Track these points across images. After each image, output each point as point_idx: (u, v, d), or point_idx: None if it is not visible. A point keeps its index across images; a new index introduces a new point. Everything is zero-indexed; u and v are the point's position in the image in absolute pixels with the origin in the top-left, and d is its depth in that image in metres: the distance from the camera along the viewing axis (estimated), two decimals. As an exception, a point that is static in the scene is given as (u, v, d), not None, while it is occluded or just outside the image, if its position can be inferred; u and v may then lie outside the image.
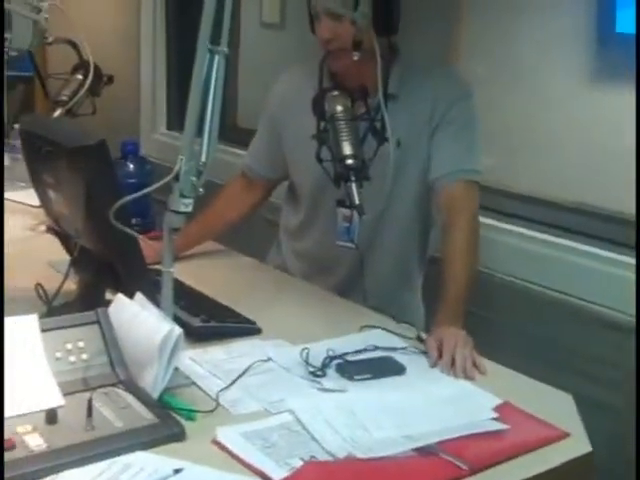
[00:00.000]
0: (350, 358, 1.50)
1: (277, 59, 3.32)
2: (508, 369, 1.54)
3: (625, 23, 1.99)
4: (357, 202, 1.59)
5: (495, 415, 1.31)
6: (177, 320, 1.41)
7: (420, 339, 1.63)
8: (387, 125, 1.72)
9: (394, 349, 1.56)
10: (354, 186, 1.60)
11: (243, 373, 1.43)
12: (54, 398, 1.24)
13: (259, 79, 3.42)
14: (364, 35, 1.74)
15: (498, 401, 1.36)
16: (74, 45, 2.46)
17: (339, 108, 1.68)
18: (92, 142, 1.44)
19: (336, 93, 1.71)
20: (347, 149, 1.63)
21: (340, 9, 1.76)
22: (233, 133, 3.22)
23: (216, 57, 1.34)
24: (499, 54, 2.39)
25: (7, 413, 1.18)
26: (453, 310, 1.70)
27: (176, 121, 3.57)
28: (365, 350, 1.54)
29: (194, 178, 1.34)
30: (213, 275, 1.99)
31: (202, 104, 1.34)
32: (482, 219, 1.92)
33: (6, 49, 2.45)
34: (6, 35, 2.42)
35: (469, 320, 1.70)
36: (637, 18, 1.89)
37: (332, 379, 1.44)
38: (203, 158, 1.35)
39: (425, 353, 1.56)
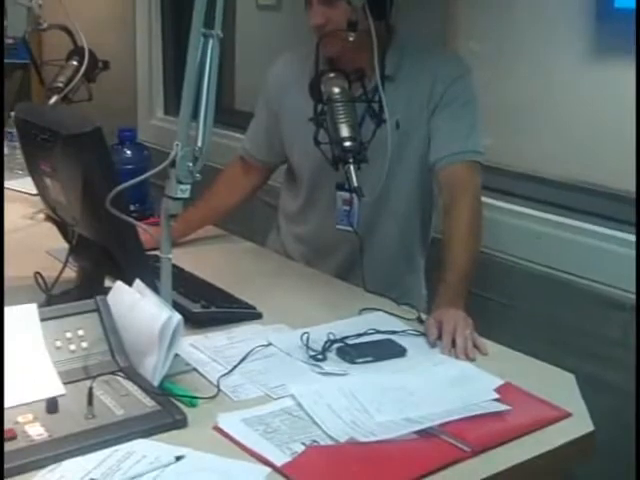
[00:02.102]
0: (350, 341, 1.50)
1: (274, 41, 3.30)
2: (509, 349, 1.54)
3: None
4: (355, 184, 1.58)
5: (496, 396, 1.31)
6: (177, 306, 1.40)
7: (420, 320, 1.63)
8: (384, 107, 1.70)
9: (394, 332, 1.56)
10: (352, 168, 1.59)
11: (243, 359, 1.43)
12: (54, 387, 1.24)
13: (256, 61, 3.41)
14: (359, 16, 1.71)
15: (499, 382, 1.36)
16: (68, 31, 2.44)
17: (336, 90, 1.66)
18: (88, 129, 1.43)
19: (332, 75, 1.70)
20: (345, 131, 1.62)
21: None
22: (230, 116, 3.20)
23: (210, 41, 1.32)
24: (498, 32, 2.37)
25: (8, 403, 1.18)
26: (454, 291, 1.69)
27: (173, 106, 3.55)
28: (365, 333, 1.54)
29: (190, 164, 1.33)
30: (213, 260, 1.99)
31: (197, 89, 1.33)
32: (483, 199, 1.91)
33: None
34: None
35: (469, 300, 1.70)
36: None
37: (333, 363, 1.44)
38: (199, 143, 1.34)
39: (425, 335, 1.56)
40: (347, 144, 1.60)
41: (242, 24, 3.45)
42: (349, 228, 1.88)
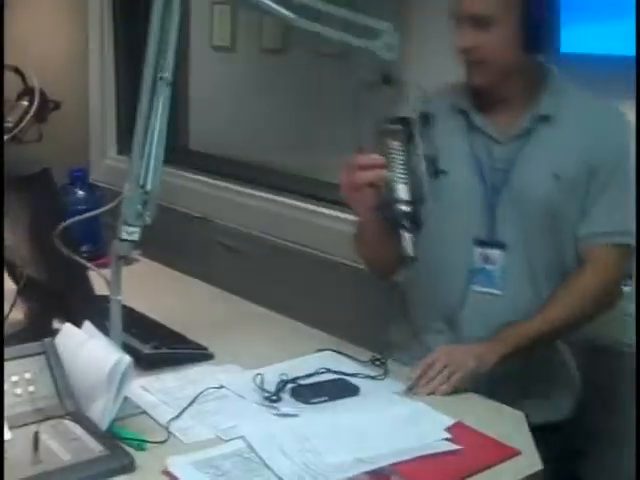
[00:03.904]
0: (303, 381, 1.49)
1: (228, 81, 3.33)
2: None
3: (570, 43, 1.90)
4: (411, 253, 1.45)
5: (448, 435, 1.31)
6: (127, 348, 1.39)
7: (376, 361, 1.61)
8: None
9: (344, 374, 1.54)
10: (407, 235, 1.45)
11: (193, 401, 1.42)
12: (-1, 433, 1.21)
13: (211, 101, 3.43)
14: (512, 46, 1.56)
15: (451, 421, 1.36)
16: (18, 71, 2.43)
17: (395, 144, 1.49)
18: (35, 171, 1.42)
19: (395, 127, 1.50)
20: (402, 193, 1.47)
21: (488, 11, 1.54)
22: (185, 156, 3.21)
23: (161, 85, 1.33)
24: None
25: (-50, 450, 1.14)
26: (510, 336, 1.56)
27: (127, 145, 3.52)
28: (316, 373, 1.53)
29: (139, 206, 1.33)
30: (165, 301, 1.97)
31: (146, 132, 1.34)
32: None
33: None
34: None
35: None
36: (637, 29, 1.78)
37: (288, 403, 1.43)
38: (147, 188, 1.34)
39: (372, 378, 1.54)
40: (403, 208, 1.46)
41: (197, 64, 3.47)
42: (494, 290, 1.65)
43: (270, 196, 2.86)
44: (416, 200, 1.46)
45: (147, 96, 1.32)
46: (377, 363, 1.61)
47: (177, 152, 3.16)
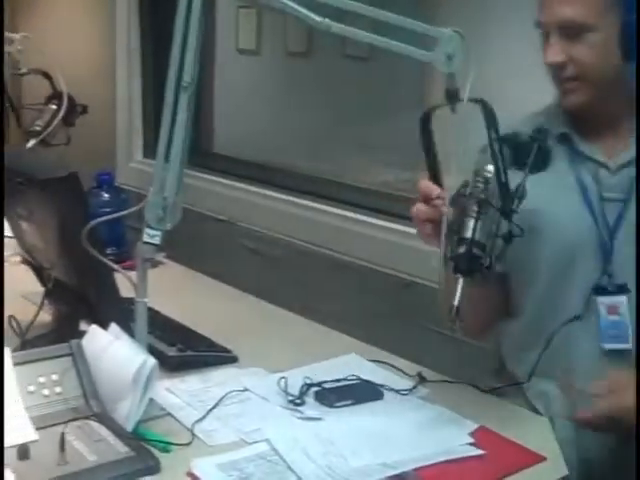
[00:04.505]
0: (327, 385, 1.49)
1: (253, 85, 3.35)
2: (484, 393, 1.54)
3: None
4: (455, 303, 1.21)
5: (471, 440, 1.31)
6: (152, 350, 1.40)
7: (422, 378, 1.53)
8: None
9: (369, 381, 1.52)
10: (460, 280, 1.22)
11: (217, 403, 1.42)
12: (27, 433, 1.22)
13: (236, 105, 3.45)
14: (611, 57, 1.34)
15: (474, 426, 1.36)
16: (48, 76, 2.46)
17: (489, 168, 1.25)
18: (63, 174, 1.43)
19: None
20: (466, 231, 1.23)
21: (580, 16, 1.32)
22: (209, 160, 3.23)
23: (182, 91, 1.34)
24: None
25: (-22, 449, 1.16)
26: None
27: (153, 149, 3.56)
28: (345, 379, 1.52)
29: (161, 210, 1.34)
30: (189, 303, 1.98)
31: (170, 136, 1.35)
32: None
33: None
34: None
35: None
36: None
37: (311, 407, 1.43)
38: (170, 191, 1.35)
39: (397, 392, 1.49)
40: (461, 249, 1.22)
41: (222, 67, 3.50)
42: (624, 345, 1.41)
43: (294, 199, 2.88)
44: (485, 243, 1.23)
45: (170, 101, 1.33)
46: (412, 375, 1.56)
47: (202, 155, 3.19)
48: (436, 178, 1.32)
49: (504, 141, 1.28)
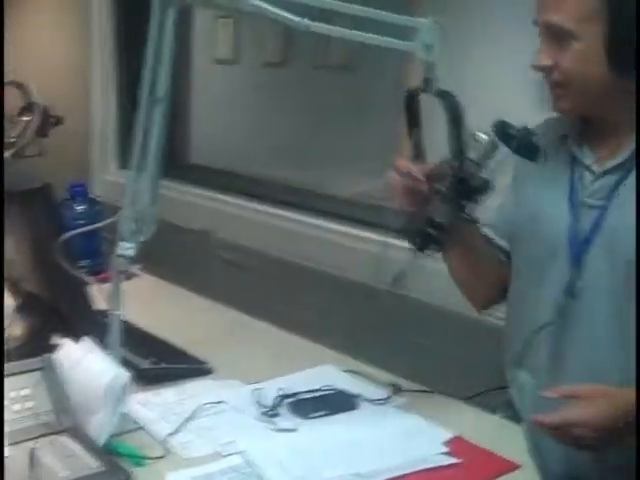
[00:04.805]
0: (303, 396, 1.49)
1: (230, 95, 3.35)
2: (458, 401, 1.54)
3: None
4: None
5: (446, 449, 1.31)
6: (126, 363, 1.39)
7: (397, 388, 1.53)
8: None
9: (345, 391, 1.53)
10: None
11: (191, 416, 1.41)
12: (-4, 448, 1.21)
13: (212, 115, 3.45)
14: (598, 64, 1.30)
15: (449, 435, 1.36)
16: (21, 86, 2.45)
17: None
18: (36, 185, 1.43)
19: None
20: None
21: (566, 23, 1.29)
22: (184, 171, 3.22)
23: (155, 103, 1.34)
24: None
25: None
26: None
27: (128, 160, 3.55)
28: (319, 390, 1.52)
29: (134, 222, 1.34)
30: (165, 316, 1.97)
31: (143, 148, 1.35)
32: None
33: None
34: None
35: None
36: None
37: (286, 418, 1.43)
38: (144, 203, 1.35)
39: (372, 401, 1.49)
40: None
41: (199, 77, 3.49)
42: None
43: (271, 209, 2.87)
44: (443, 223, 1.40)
45: (143, 113, 1.33)
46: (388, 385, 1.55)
47: (177, 166, 3.18)
48: (418, 158, 1.40)
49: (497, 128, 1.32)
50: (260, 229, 2.84)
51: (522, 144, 1.32)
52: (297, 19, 1.26)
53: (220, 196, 3.12)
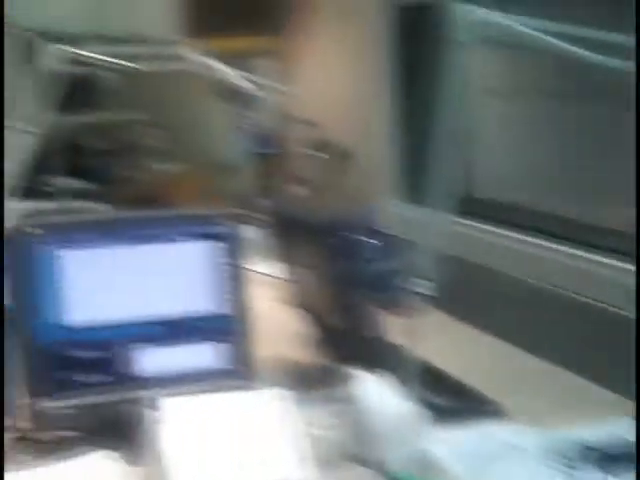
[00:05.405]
0: (611, 451, 1.39)
1: (510, 127, 3.29)
2: None
3: None
4: None
5: None
6: (420, 399, 1.39)
7: None
8: None
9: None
10: None
11: (486, 459, 1.37)
12: (297, 470, 1.25)
13: (493, 147, 3.40)
14: None
15: None
16: (313, 124, 2.59)
17: None
18: (338, 220, 1.48)
19: None
20: None
21: None
22: (468, 205, 3.19)
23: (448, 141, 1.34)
24: None
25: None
26: None
27: (412, 193, 3.59)
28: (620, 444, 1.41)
29: (428, 262, 1.34)
30: (454, 353, 1.95)
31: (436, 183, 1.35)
32: None
33: (249, 126, 2.62)
34: (248, 114, 2.60)
35: None
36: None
37: (590, 472, 1.33)
38: (436, 243, 1.35)
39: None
40: None
41: (477, 108, 3.46)
42: None
43: (557, 246, 2.75)
44: None
45: (435, 148, 1.33)
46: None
47: (460, 201, 3.15)
48: None
49: None
50: (546, 266, 2.73)
51: None
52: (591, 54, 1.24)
53: (504, 231, 3.05)
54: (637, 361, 1.19)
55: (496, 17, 1.37)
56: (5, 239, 1.35)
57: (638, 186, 1.25)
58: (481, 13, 1.37)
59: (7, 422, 1.33)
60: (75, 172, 3.58)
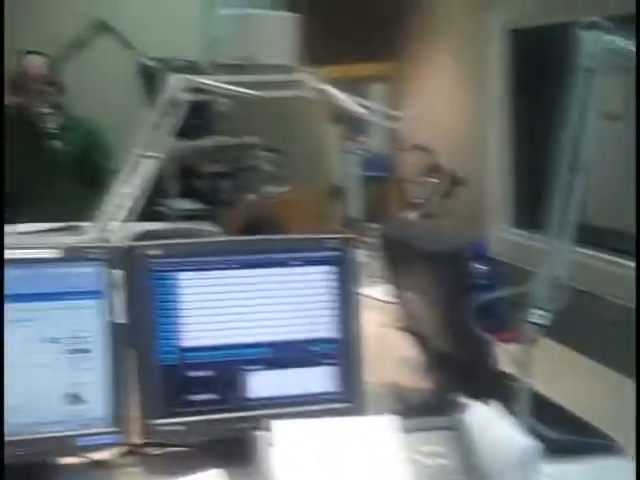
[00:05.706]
0: None
1: (618, 152, 3.19)
2: None
3: None
4: None
5: None
6: (532, 432, 1.35)
7: None
8: None
9: None
10: None
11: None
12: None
13: (604, 174, 3.31)
14: None
15: None
16: (426, 149, 2.58)
17: None
18: (451, 247, 1.47)
19: None
20: None
21: None
22: (582, 232, 3.11)
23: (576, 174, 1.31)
24: None
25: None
26: None
27: (524, 219, 3.53)
28: None
29: (551, 291, 1.31)
30: (566, 384, 1.90)
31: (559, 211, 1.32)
32: None
33: (361, 150, 2.63)
34: (361, 139, 2.62)
35: None
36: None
37: None
38: (556, 272, 1.31)
39: None
40: None
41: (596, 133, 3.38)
42: None
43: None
44: None
45: (562, 178, 1.31)
46: None
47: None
48: None
49: None
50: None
51: None
52: None
53: (617, 259, 2.96)
54: (637, 360, 1.15)
55: (621, 43, 1.34)
56: (119, 257, 1.39)
57: (638, 186, 1.24)
58: (607, 40, 1.35)
59: (118, 437, 1.37)
60: (188, 194, 3.69)
